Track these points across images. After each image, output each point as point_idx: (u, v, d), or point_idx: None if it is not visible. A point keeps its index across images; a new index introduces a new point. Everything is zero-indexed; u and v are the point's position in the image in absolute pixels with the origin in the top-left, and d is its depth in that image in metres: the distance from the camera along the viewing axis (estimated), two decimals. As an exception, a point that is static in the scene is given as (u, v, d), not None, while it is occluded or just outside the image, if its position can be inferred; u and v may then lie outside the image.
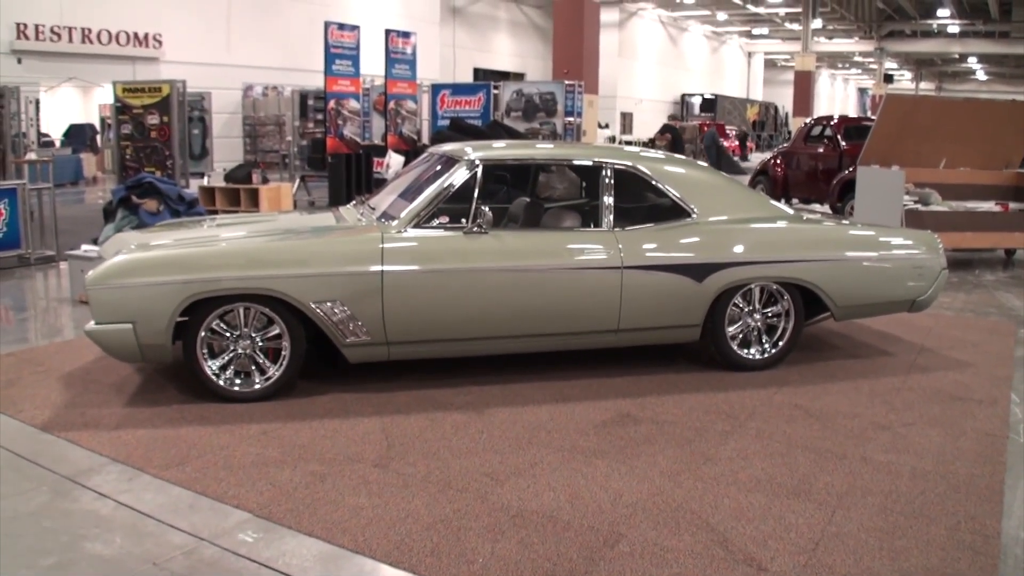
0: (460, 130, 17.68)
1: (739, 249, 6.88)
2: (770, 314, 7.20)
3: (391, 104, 18.27)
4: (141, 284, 5.94)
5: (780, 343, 7.24)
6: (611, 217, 6.76)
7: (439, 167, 6.87)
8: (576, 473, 5.14)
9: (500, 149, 7.26)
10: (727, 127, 48.99)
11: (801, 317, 7.24)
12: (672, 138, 21.18)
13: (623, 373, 7.04)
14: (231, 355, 6.24)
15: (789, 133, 58.60)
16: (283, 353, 6.26)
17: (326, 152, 16.98)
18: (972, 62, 70.70)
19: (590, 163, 7.03)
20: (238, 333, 6.21)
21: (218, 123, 27.07)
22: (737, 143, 47.05)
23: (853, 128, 18.35)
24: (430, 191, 6.51)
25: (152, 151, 15.08)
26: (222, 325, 6.18)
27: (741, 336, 7.15)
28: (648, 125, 51.79)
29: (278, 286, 6.01)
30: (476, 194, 6.50)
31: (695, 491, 4.93)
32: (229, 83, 28.02)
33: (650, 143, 35.30)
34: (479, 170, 6.58)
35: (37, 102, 18.53)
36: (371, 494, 4.84)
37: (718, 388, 6.74)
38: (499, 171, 8.40)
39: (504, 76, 43.19)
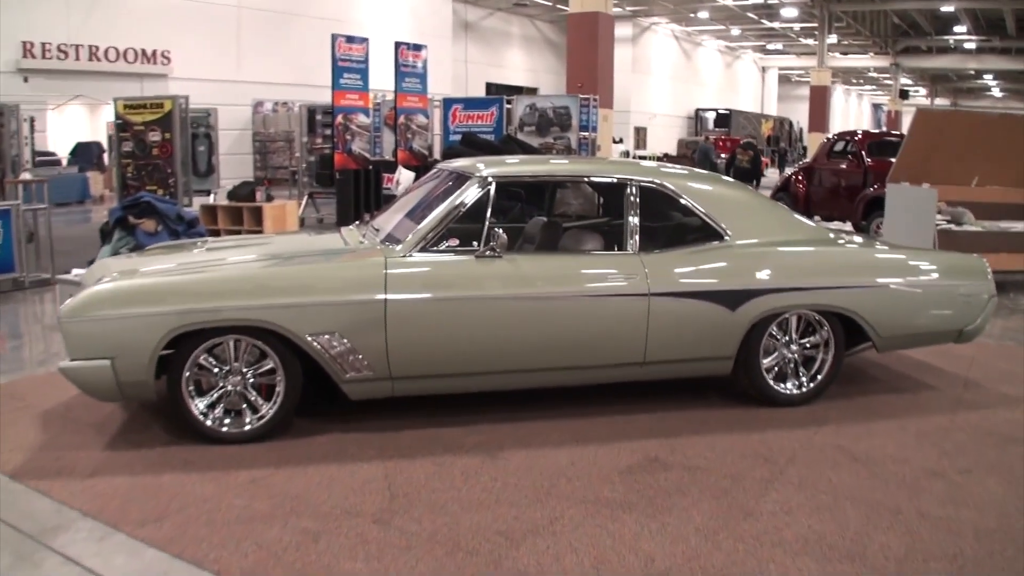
0: (472, 145, 17.11)
1: (776, 275, 6.33)
2: (808, 345, 6.63)
3: (401, 118, 17.78)
4: (121, 316, 5.40)
5: (819, 376, 6.67)
6: (636, 239, 6.20)
7: (449, 184, 6.32)
8: (601, 531, 4.56)
9: (514, 165, 6.74)
10: (741, 141, 48.27)
11: (842, 348, 6.67)
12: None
13: (647, 409, 6.48)
14: (220, 392, 5.69)
15: (804, 148, 58.14)
16: (277, 390, 5.70)
17: (334, 168, 16.47)
18: (988, 79, 70.11)
19: (612, 180, 6.48)
20: (228, 368, 5.66)
21: (228, 140, 26.63)
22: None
23: (878, 144, 17.79)
24: (438, 211, 5.97)
25: (154, 169, 14.58)
26: (210, 360, 5.63)
27: (777, 369, 6.58)
28: (662, 140, 51.36)
29: (270, 317, 5.46)
30: (489, 214, 5.96)
31: (736, 554, 4.36)
32: (239, 99, 27.56)
33: (664, 157, 34.76)
34: (492, 188, 6.03)
35: (32, 120, 18.02)
36: (369, 557, 4.28)
37: (752, 427, 6.17)
38: (513, 188, 7.84)
39: (517, 91, 42.71)
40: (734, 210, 6.53)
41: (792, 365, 6.62)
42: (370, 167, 16.79)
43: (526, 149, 17.45)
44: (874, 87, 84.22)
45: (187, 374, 5.58)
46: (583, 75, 28.26)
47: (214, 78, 27.06)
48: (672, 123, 56.64)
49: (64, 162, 27.07)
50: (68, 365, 5.48)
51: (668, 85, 55.93)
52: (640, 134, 51.63)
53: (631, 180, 6.33)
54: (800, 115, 64.59)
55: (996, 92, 78.50)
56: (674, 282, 6.12)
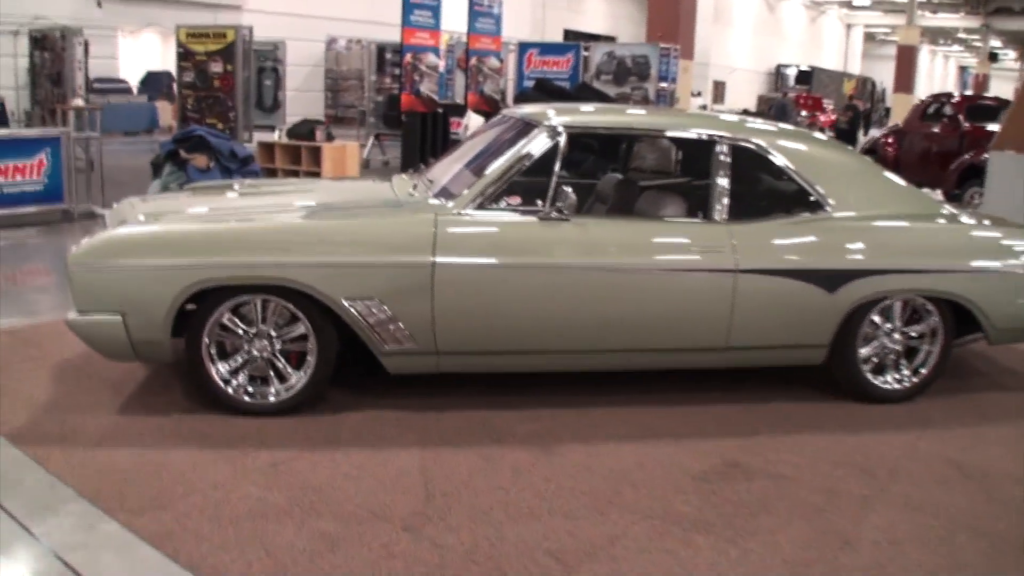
0: (545, 91, 16.38)
1: (882, 253, 5.55)
2: (912, 334, 5.83)
3: (472, 60, 17.01)
4: (135, 267, 4.78)
5: (922, 370, 5.87)
6: (724, 206, 5.43)
7: (514, 133, 5.56)
8: (670, 557, 3.84)
9: (589, 114, 5.96)
10: (824, 100, 46.99)
11: (951, 339, 5.87)
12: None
13: (725, 399, 5.75)
14: (245, 357, 5.02)
15: (887, 110, 56.52)
16: (308, 358, 5.03)
17: (400, 110, 15.76)
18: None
19: (698, 136, 5.65)
20: (254, 331, 4.99)
21: (299, 76, 26.11)
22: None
23: (977, 108, 16.73)
24: (499, 164, 5.23)
25: (215, 102, 14.01)
26: (235, 320, 4.97)
27: (875, 360, 5.79)
28: (742, 95, 50.04)
29: (301, 277, 4.79)
30: (557, 169, 5.22)
31: (834, 597, 3.62)
32: (312, 35, 26.93)
33: (743, 113, 33.74)
34: (562, 139, 5.28)
35: (86, 44, 17.44)
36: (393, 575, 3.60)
37: (846, 427, 5.41)
38: (586, 141, 7.09)
39: (595, 39, 41.64)
40: (837, 176, 5.72)
41: (893, 357, 5.84)
42: (439, 110, 16.05)
43: (602, 98, 16.71)
44: (962, 49, 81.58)
45: (207, 336, 4.93)
46: (664, 24, 27.50)
47: (288, 11, 26.46)
48: (752, 78, 55.17)
49: (135, 91, 26.64)
50: (75, 318, 4.87)
51: (749, 39, 54.40)
52: (719, 88, 50.33)
53: (721, 137, 5.53)
54: (883, 75, 62.73)
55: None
56: (766, 257, 5.36)
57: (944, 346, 5.85)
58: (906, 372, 5.85)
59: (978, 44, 63.58)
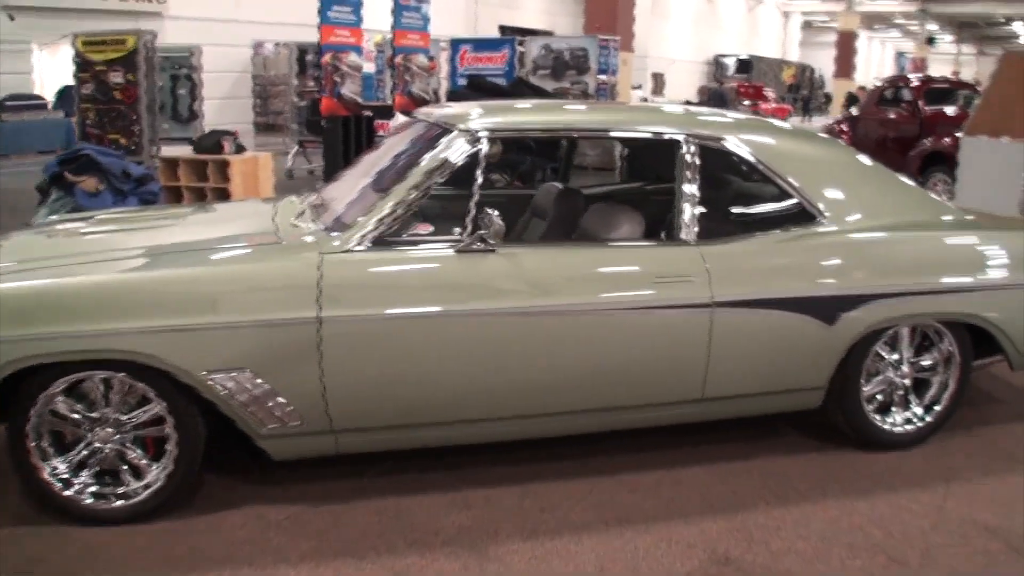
0: (479, 89, 15.27)
1: (892, 272, 4.51)
2: (925, 364, 4.79)
3: (399, 59, 15.80)
4: None
5: (937, 407, 4.83)
6: (693, 223, 4.32)
7: (425, 142, 4.37)
8: None
9: (517, 113, 4.72)
10: (765, 89, 46.33)
11: (969, 368, 4.83)
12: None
13: (702, 458, 4.68)
14: (87, 450, 3.84)
15: (827, 96, 56.04)
16: (168, 446, 3.87)
17: (320, 115, 14.56)
18: (1017, 26, 67.64)
19: (656, 135, 4.50)
20: (96, 416, 3.81)
21: (226, 83, 24.86)
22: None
23: (936, 91, 15.81)
24: (404, 184, 4.05)
25: (117, 115, 12.67)
26: (71, 402, 3.78)
27: (880, 399, 4.77)
28: (682, 87, 49.31)
29: (140, 346, 3.62)
30: (478, 185, 4.07)
31: None
32: (238, 39, 25.65)
33: (686, 103, 32.91)
34: (483, 146, 4.13)
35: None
36: None
37: (855, 489, 4.35)
38: (516, 144, 5.95)
39: (532, 34, 40.73)
40: (830, 179, 4.63)
41: (901, 392, 4.78)
42: (365, 113, 14.83)
43: (539, 94, 15.67)
44: (899, 34, 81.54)
45: (33, 425, 3.75)
46: (602, 16, 26.66)
47: (211, 16, 25.16)
48: (692, 69, 54.41)
49: (51, 106, 25.22)
50: None
51: (688, 30, 53.61)
52: (658, 80, 49.56)
53: (686, 136, 4.43)
54: (821, 62, 62.44)
55: (1024, 39, 76.08)
56: (748, 286, 4.27)
57: (961, 377, 4.83)
58: (917, 410, 4.81)
59: (915, 29, 63.46)
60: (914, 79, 17.17)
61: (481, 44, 20.65)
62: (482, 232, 3.93)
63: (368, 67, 20.37)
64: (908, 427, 4.79)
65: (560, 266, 4.11)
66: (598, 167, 16.89)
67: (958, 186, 10.98)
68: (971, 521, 4.06)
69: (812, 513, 4.10)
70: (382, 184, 4.22)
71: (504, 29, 41.82)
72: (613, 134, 4.65)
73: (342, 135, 14.12)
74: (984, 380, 5.83)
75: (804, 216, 4.49)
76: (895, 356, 4.72)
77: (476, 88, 15.48)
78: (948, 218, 4.96)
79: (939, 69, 61.29)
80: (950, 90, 16.11)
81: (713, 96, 27.86)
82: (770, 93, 45.93)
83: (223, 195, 11.05)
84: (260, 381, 3.73)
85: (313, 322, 3.73)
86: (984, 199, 9.90)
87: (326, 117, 14.30)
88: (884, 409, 4.78)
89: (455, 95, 15.46)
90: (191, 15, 24.65)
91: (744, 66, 56.34)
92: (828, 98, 54.59)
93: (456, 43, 20.06)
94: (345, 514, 4.04)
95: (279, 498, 4.14)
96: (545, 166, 12.07)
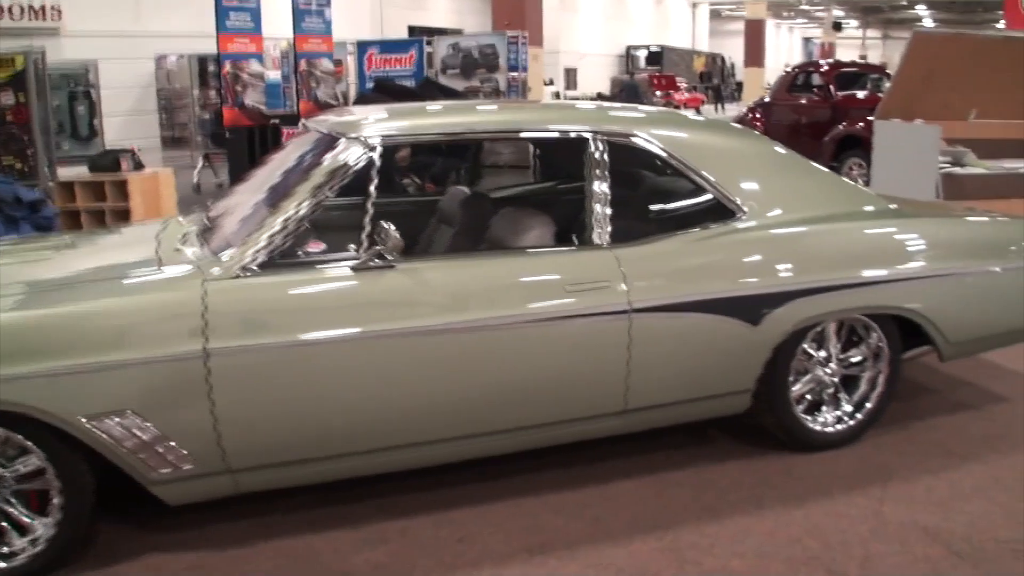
0: (386, 91, 14.88)
1: (815, 267, 4.30)
2: (852, 360, 4.62)
3: (302, 64, 15.40)
4: None
5: (867, 404, 4.65)
6: (606, 225, 4.07)
7: (316, 153, 4.05)
8: None
9: (413, 117, 4.31)
10: (677, 79, 46.53)
11: (898, 361, 4.65)
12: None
13: (624, 468, 4.45)
14: (-43, 506, 3.51)
15: (738, 84, 56.43)
16: (52, 500, 3.52)
17: (222, 126, 14.13)
18: (920, 9, 68.73)
19: (564, 134, 4.24)
20: (-34, 470, 3.47)
21: (130, 98, 24.22)
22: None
23: (846, 75, 15.80)
24: (292, 200, 3.74)
25: (9, 138, 12.15)
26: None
27: (810, 398, 4.58)
28: (594, 80, 49.35)
29: (12, 395, 3.27)
30: (373, 197, 3.77)
31: None
32: (141, 53, 25.01)
33: (597, 98, 32.79)
34: (377, 155, 3.85)
35: None
36: None
37: (789, 496, 4.15)
38: (418, 151, 5.66)
39: (441, 34, 40.46)
40: (749, 172, 4.41)
41: (831, 390, 4.59)
42: (273, 122, 14.42)
43: (448, 94, 15.36)
44: (805, 20, 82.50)
45: None
46: (509, 12, 26.51)
47: (111, 31, 24.50)
48: (604, 62, 54.48)
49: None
50: None
51: (598, 23, 53.63)
52: (570, 75, 49.52)
53: (594, 133, 4.17)
54: (731, 50, 62.89)
55: (928, 23, 77.17)
56: (667, 289, 4.03)
57: (891, 371, 4.65)
58: (847, 408, 4.62)
59: (821, 15, 64.16)
60: (824, 64, 17.17)
61: (388, 46, 20.34)
62: (378, 248, 3.65)
63: (275, 75, 19.95)
64: (840, 426, 4.60)
65: (464, 279, 3.84)
66: (514, 165, 16.64)
67: (873, 170, 10.91)
68: (910, 524, 3.88)
69: (747, 526, 3.88)
70: (271, 201, 3.90)
71: (412, 30, 41.49)
72: (518, 135, 4.38)
73: (247, 146, 13.73)
74: (915, 370, 5.68)
75: (722, 212, 4.26)
76: (823, 353, 4.53)
77: (383, 91, 15.12)
78: (870, 207, 4.77)
79: (847, 54, 62.14)
80: (861, 74, 16.14)
81: (626, 89, 27.82)
82: (682, 83, 46.19)
83: (123, 216, 10.60)
84: (147, 424, 3.40)
85: (199, 356, 3.41)
86: (900, 183, 9.82)
87: (229, 128, 13.90)
88: (815, 408, 4.59)
89: (362, 98, 15.13)
90: (90, 30, 23.98)
91: (655, 57, 56.57)
92: (740, 86, 54.97)
93: (363, 46, 19.71)
94: (249, 558, 3.73)
95: (179, 545, 3.81)
96: (459, 167, 11.80)
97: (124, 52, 24.08)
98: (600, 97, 34.22)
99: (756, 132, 4.85)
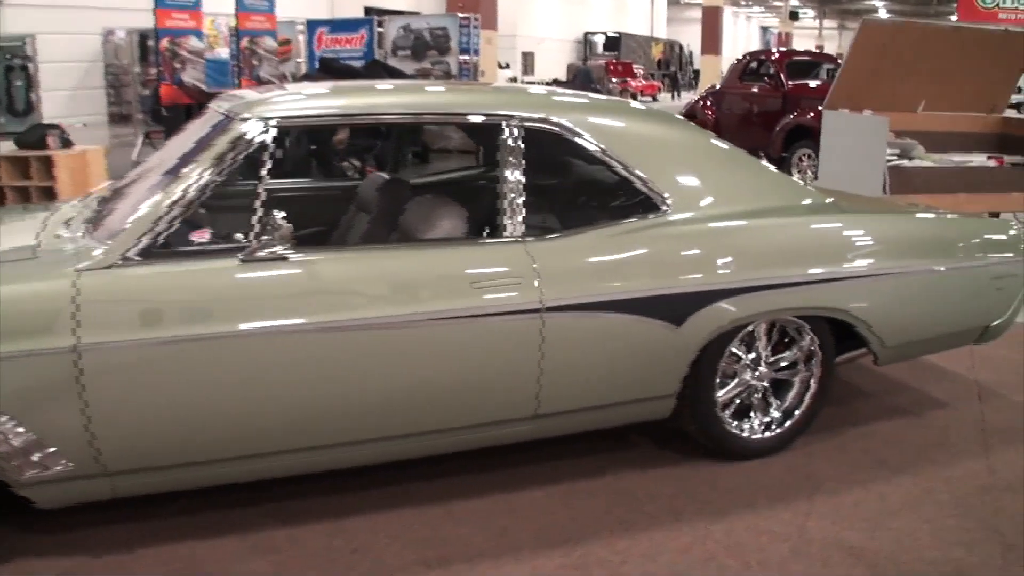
0: (332, 72, 14.57)
1: (744, 264, 4.05)
2: (783, 363, 4.40)
3: (244, 42, 15.03)
4: None
5: (798, 411, 4.44)
6: (519, 216, 3.81)
7: (209, 135, 3.74)
8: None
9: (314, 98, 3.97)
10: (634, 66, 46.34)
11: (832, 365, 4.44)
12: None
13: (537, 475, 4.19)
14: None
15: (696, 72, 56.33)
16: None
17: (160, 103, 13.76)
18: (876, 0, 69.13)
19: (476, 118, 3.96)
20: None
21: (76, 73, 23.61)
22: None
23: (798, 64, 15.62)
24: (177, 185, 3.44)
25: (-64, 115, 11.79)
26: None
27: (737, 402, 4.35)
28: (552, 65, 49.09)
29: None
30: (264, 183, 3.48)
31: None
32: (87, 27, 24.41)
33: (553, 84, 32.48)
34: (270, 137, 3.55)
35: None
36: None
37: (711, 509, 3.93)
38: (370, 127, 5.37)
39: (394, 15, 39.99)
40: (674, 163, 4.15)
41: (760, 395, 4.36)
42: (209, 100, 14.06)
43: (394, 75, 15.04)
44: (762, 9, 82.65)
45: None
46: (466, -7, 26.11)
47: (56, 3, 23.90)
48: (561, 48, 54.17)
49: None
50: None
51: (557, 8, 53.31)
52: (528, 59, 49.22)
53: (507, 117, 3.89)
54: (689, 38, 62.82)
55: (883, 13, 77.56)
56: (583, 287, 3.76)
57: (824, 375, 4.43)
58: (776, 414, 4.40)
59: (779, 4, 64.23)
60: (776, 52, 16.99)
61: (338, 25, 20.03)
62: (267, 238, 3.37)
63: (223, 52, 19.55)
64: (768, 433, 4.38)
65: (360, 273, 3.55)
66: (462, 150, 16.33)
67: (821, 161, 10.73)
68: (834, 542, 3.65)
69: (662, 541, 3.64)
70: (157, 186, 3.59)
71: (368, 10, 41.07)
72: (427, 118, 4.07)
73: (185, 124, 13.35)
74: (852, 372, 5.47)
75: (646, 205, 4.00)
76: (752, 356, 4.30)
77: (328, 70, 14.81)
78: (808, 202, 4.54)
79: (803, 44, 62.29)
80: (812, 63, 15.94)
81: (579, 75, 27.51)
82: (639, 70, 45.98)
83: (49, 194, 10.21)
84: (14, 423, 3.11)
85: (69, 352, 3.12)
86: (848, 174, 9.67)
87: (166, 106, 13.53)
88: (743, 414, 4.36)
89: (307, 78, 14.85)
90: (33, 2, 23.44)
91: (613, 43, 56.35)
92: (697, 74, 54.88)
93: (312, 25, 19.40)
94: (127, 565, 3.45)
95: (53, 549, 3.53)
96: (405, 150, 11.49)
97: (69, 25, 23.50)
98: (556, 82, 33.92)
99: (688, 122, 4.55)
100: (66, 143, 10.94)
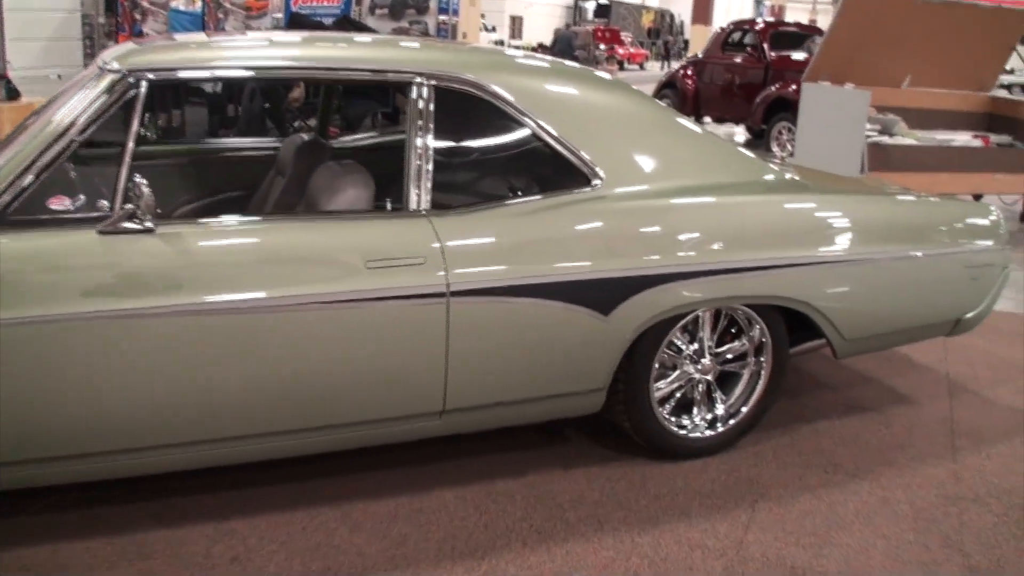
0: (301, 27, 14.13)
1: (682, 246, 3.61)
2: (729, 355, 3.99)
3: (210, -6, 14.54)
4: None
5: (744, 407, 4.03)
6: (423, 188, 3.36)
7: (75, 91, 3.25)
8: None
9: (192, 49, 3.50)
10: (622, 33, 45.81)
11: (784, 358, 4.04)
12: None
13: (459, 474, 3.79)
14: None
15: (686, 42, 55.78)
16: None
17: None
18: (874, -30, 68.53)
19: (383, 77, 3.51)
20: None
21: (53, 23, 23.06)
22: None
23: (782, 35, 15.21)
24: (29, 149, 2.97)
25: None
26: None
27: (678, 396, 3.95)
28: (541, 30, 48.54)
29: None
30: (131, 144, 3.01)
31: None
32: (63, -25, 23.87)
33: (538, 48, 31.90)
34: (138, 92, 3.08)
35: None
36: None
37: (640, 517, 3.52)
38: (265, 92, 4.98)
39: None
40: (609, 132, 3.71)
41: (703, 388, 3.96)
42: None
43: (365, 32, 14.56)
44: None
45: None
46: (450, -47, 25.52)
47: (25, -52, 23.36)
48: (551, 12, 53.58)
49: None
50: None
51: (547, -28, 52.85)
52: (516, 23, 48.65)
53: (418, 76, 3.44)
54: (680, 7, 62.18)
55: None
56: (495, 268, 3.32)
57: (775, 368, 4.03)
58: (721, 410, 3.99)
59: (772, -26, 63.74)
60: (760, 22, 16.54)
61: (316, -20, 19.47)
62: (129, 207, 2.92)
63: (195, 5, 19.01)
64: (708, 431, 3.98)
65: (238, 250, 3.11)
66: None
67: (798, 135, 10.39)
68: (776, 561, 3.26)
69: (581, 555, 3.24)
70: (15, 148, 3.13)
71: (354, -32, 40.51)
72: (320, 75, 3.59)
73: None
74: (810, 361, 5.08)
75: (574, 178, 3.55)
76: (695, 347, 3.89)
77: (299, 26, 14.36)
78: (767, 178, 4.12)
79: (797, 17, 61.70)
80: (798, 35, 15.51)
81: (561, 40, 26.91)
82: (627, 38, 45.47)
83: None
84: None
85: None
86: (825, 149, 9.34)
87: (125, 58, 13.01)
88: (685, 409, 3.95)
89: (276, 35, 14.33)
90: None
91: (603, 10, 55.89)
92: (687, 44, 54.37)
93: (289, -22, 18.83)
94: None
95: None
96: (376, 110, 11.02)
97: (46, -28, 22.96)
98: (540, 47, 33.36)
99: (630, 87, 4.10)
100: (12, 93, 10.43)
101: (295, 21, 14.78)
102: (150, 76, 3.09)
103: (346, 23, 15.33)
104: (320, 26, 14.56)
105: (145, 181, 2.89)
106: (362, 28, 15.09)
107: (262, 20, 16.96)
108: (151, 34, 13.39)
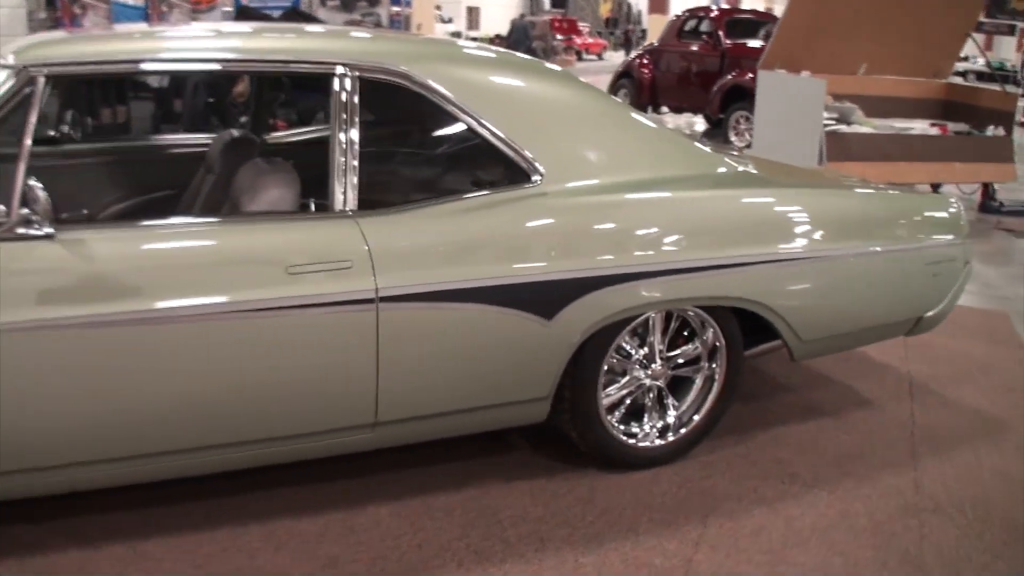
0: (249, 20, 13.79)
1: (628, 245, 3.42)
2: (681, 359, 3.79)
3: (154, -14, 14.19)
4: None
5: (697, 415, 3.84)
6: (349, 186, 3.12)
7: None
8: None
9: (93, 42, 3.27)
10: (579, 23, 45.67)
11: (739, 361, 3.85)
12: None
13: (397, 488, 3.55)
14: None
15: (643, 32, 55.74)
16: None
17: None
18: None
19: (306, 69, 3.26)
20: None
21: None
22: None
23: (738, 22, 15.12)
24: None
25: None
26: None
27: (628, 402, 3.74)
28: (498, 21, 48.37)
29: None
30: (27, 144, 2.76)
31: None
32: (1, -33, 23.39)
33: (495, 40, 31.66)
34: (33, 89, 2.82)
35: None
36: None
37: (584, 534, 3.31)
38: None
39: (336, -36, 39.03)
40: (555, 125, 3.49)
41: (654, 395, 3.76)
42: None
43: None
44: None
45: None
46: (400, -60, 25.27)
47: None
48: (508, 2, 53.38)
49: None
50: None
51: (505, -38, 52.64)
52: (473, 14, 48.43)
53: (344, 67, 3.18)
54: (636, -3, 62.41)
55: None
56: (429, 272, 3.10)
57: (729, 373, 3.84)
58: (672, 418, 3.79)
59: (729, -38, 63.81)
60: (715, 9, 16.44)
61: (267, -29, 19.14)
62: (25, 212, 2.68)
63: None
64: (661, 440, 3.78)
65: (145, 256, 2.87)
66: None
67: (756, 124, 10.31)
68: (730, 580, 3.07)
69: (524, 572, 3.03)
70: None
71: (308, -41, 40.10)
72: (234, 67, 3.34)
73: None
74: (768, 363, 4.89)
75: (512, 174, 3.33)
76: (645, 351, 3.69)
77: (246, 18, 14.04)
78: (721, 171, 3.93)
79: (753, 3, 61.87)
80: (754, 22, 15.44)
81: (516, 30, 26.61)
82: (584, 27, 45.34)
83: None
84: None
85: None
86: (784, 138, 9.22)
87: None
88: (636, 416, 3.75)
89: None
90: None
91: (560, 0, 55.73)
92: (644, 33, 54.35)
93: (239, -30, 18.51)
94: None
95: None
96: (315, 104, 10.75)
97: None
98: (497, 38, 33.12)
99: (575, 77, 3.88)
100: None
101: (243, 14, 14.45)
102: (47, 71, 2.84)
103: (295, 15, 15.03)
104: (267, 19, 14.24)
105: (41, 184, 2.65)
106: (311, 20, 14.82)
107: (210, 14, 16.63)
108: (91, 28, 13.02)
